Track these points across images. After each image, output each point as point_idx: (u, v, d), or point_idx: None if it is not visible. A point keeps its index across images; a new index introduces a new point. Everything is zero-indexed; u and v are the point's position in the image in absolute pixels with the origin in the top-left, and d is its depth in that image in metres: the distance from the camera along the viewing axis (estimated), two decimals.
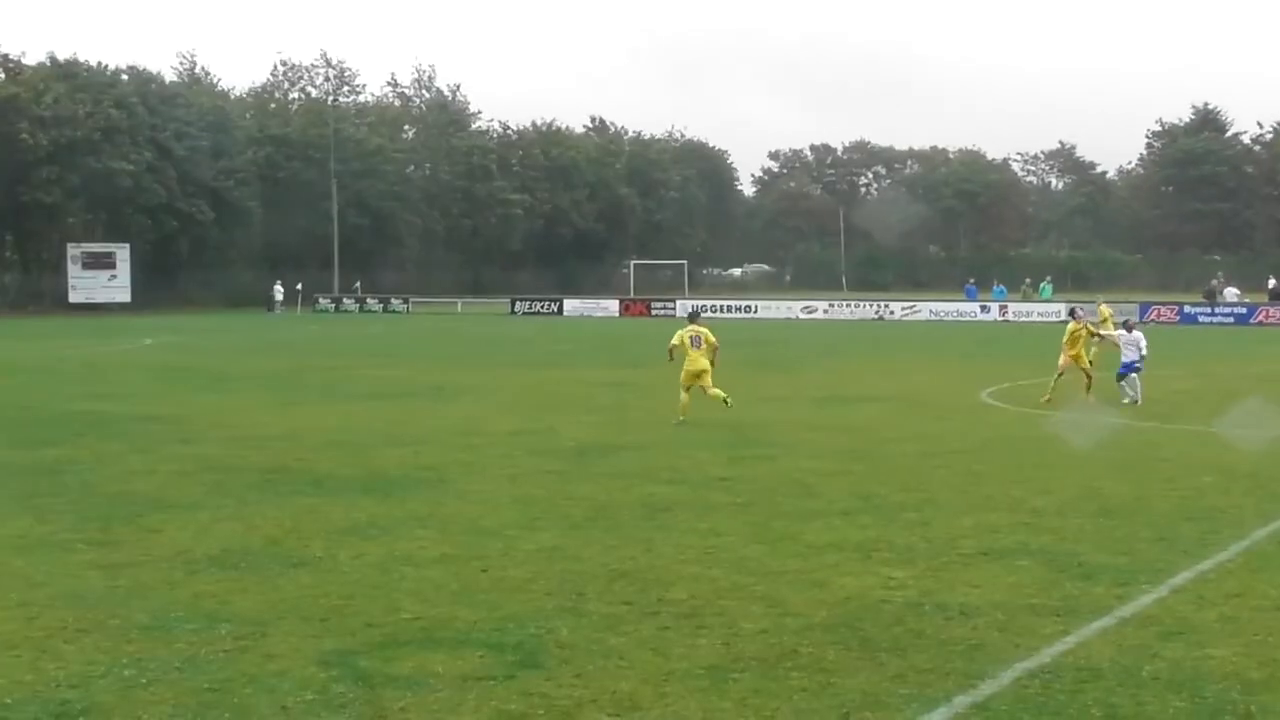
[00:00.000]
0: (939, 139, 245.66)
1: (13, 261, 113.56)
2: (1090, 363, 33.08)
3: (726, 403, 27.55)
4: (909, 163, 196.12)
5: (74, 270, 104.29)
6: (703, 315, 33.28)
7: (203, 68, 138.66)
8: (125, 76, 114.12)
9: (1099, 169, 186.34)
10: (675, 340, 28.20)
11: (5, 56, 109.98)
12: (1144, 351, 32.13)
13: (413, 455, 23.15)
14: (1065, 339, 32.79)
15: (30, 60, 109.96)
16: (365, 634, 11.70)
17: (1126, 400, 31.34)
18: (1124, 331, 32.99)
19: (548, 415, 29.48)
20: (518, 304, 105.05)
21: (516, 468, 21.65)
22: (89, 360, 49.87)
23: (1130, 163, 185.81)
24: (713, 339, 28.05)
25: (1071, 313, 33.96)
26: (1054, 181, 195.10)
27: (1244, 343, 60.52)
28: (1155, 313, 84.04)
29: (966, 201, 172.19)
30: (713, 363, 28.07)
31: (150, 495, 19.05)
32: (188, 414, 30.05)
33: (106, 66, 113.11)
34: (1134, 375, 31.70)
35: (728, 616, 12.23)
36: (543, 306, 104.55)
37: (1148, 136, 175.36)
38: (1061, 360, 32.55)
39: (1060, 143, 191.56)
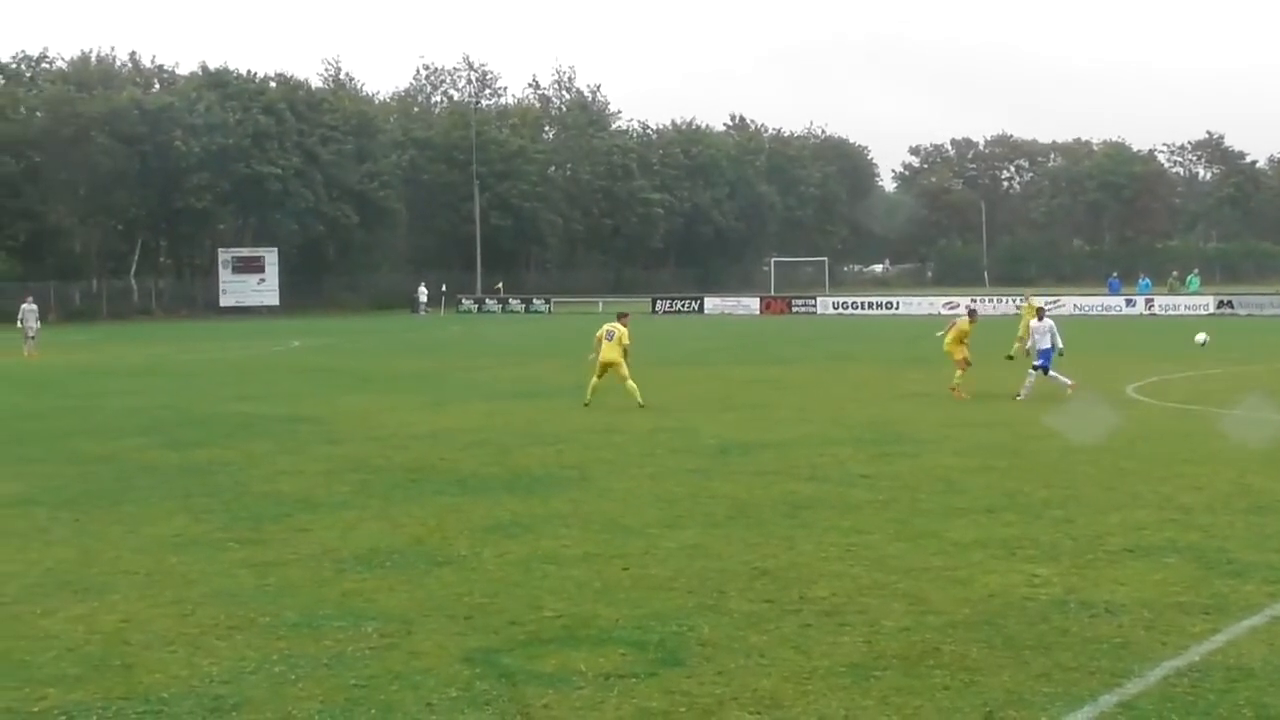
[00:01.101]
0: (1083, 131, 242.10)
1: (166, 266, 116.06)
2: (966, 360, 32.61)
3: (640, 403, 29.95)
4: (1052, 155, 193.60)
5: (224, 274, 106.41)
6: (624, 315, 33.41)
7: (347, 74, 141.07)
8: (273, 84, 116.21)
9: (1248, 159, 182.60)
10: (598, 334, 31.31)
11: (160, 67, 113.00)
12: (1059, 344, 31.86)
13: (555, 454, 23.30)
14: (951, 337, 32.73)
15: (183, 70, 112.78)
16: (508, 632, 11.81)
17: (1021, 396, 31.25)
18: (1036, 320, 32.69)
19: (688, 413, 29.52)
20: (658, 303, 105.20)
21: (658, 466, 21.70)
22: (238, 363, 50.81)
23: None
24: (626, 340, 31.02)
25: (971, 314, 33.05)
26: (1201, 172, 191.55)
27: None
28: None
29: (1111, 194, 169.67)
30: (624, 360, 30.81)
31: (298, 495, 19.38)
32: (334, 415, 30.49)
33: (255, 75, 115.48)
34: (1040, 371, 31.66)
35: (870, 614, 12.19)
36: (683, 305, 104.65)
37: None
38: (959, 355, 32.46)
39: (1208, 133, 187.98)
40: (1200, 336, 23.78)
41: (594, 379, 31.30)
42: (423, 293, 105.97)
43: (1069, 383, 31.45)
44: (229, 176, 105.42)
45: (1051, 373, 31.58)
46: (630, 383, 30.46)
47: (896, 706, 9.69)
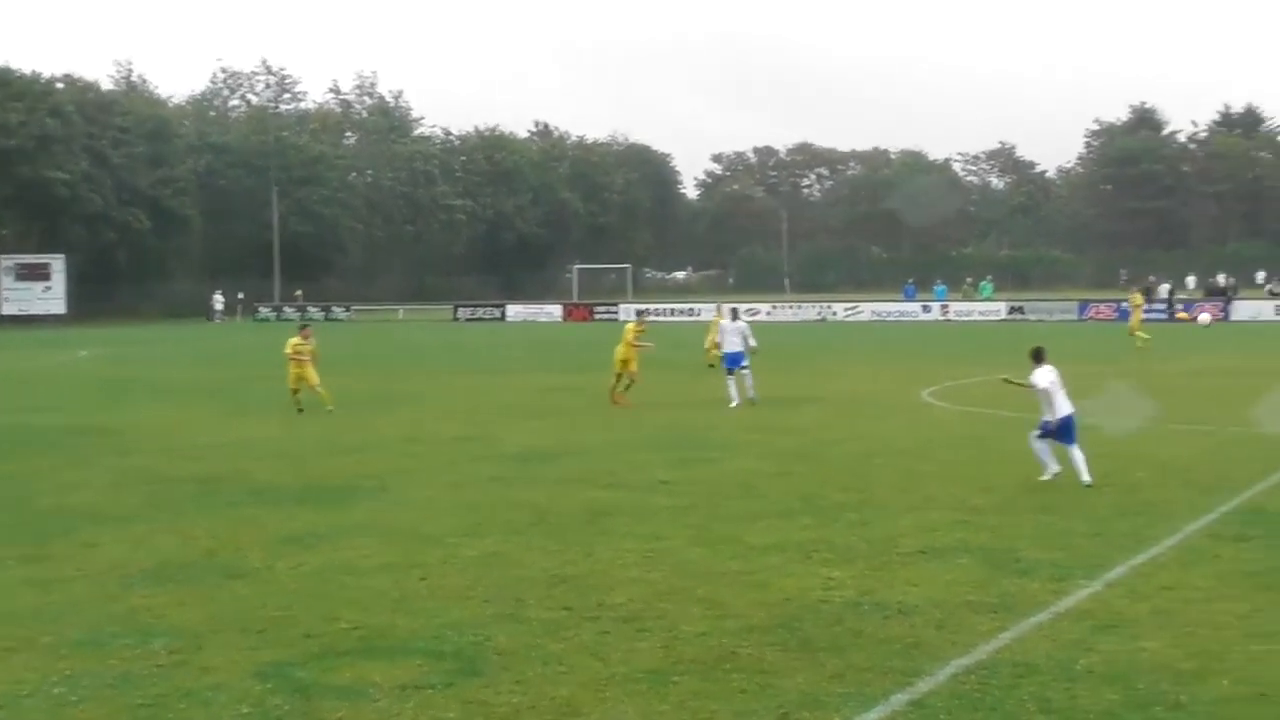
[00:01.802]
0: (881, 140, 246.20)
1: None
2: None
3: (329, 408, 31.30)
4: (851, 164, 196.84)
5: (7, 281, 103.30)
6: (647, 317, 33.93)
7: (140, 76, 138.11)
8: (61, 85, 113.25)
9: (1039, 168, 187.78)
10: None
11: None
12: (752, 342, 32.52)
13: (354, 464, 23.05)
14: (629, 338, 32.62)
15: None
16: (303, 645, 11.62)
17: (734, 404, 31.53)
18: (727, 321, 33.42)
19: (490, 421, 29.43)
20: (460, 310, 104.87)
21: (458, 474, 21.59)
22: (21, 373, 49.41)
23: (1069, 162, 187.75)
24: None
25: (639, 313, 33.53)
26: (994, 181, 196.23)
27: (1182, 340, 60.88)
28: (1094, 310, 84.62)
29: (908, 202, 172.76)
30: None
31: (86, 509, 18.87)
32: (124, 426, 29.79)
33: (41, 75, 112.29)
34: (745, 371, 32.08)
35: (668, 620, 12.22)
36: (486, 312, 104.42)
37: (1086, 136, 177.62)
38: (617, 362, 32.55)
39: (1000, 143, 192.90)
40: (1204, 317, 24.37)
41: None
42: (218, 300, 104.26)
43: (735, 400, 31.71)
44: (12, 180, 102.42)
45: (730, 379, 32.10)
46: (322, 390, 31.89)
47: (693, 710, 9.73)
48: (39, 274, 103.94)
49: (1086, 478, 19.04)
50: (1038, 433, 19.67)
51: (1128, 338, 54.38)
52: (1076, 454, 19.36)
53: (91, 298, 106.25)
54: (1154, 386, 34.81)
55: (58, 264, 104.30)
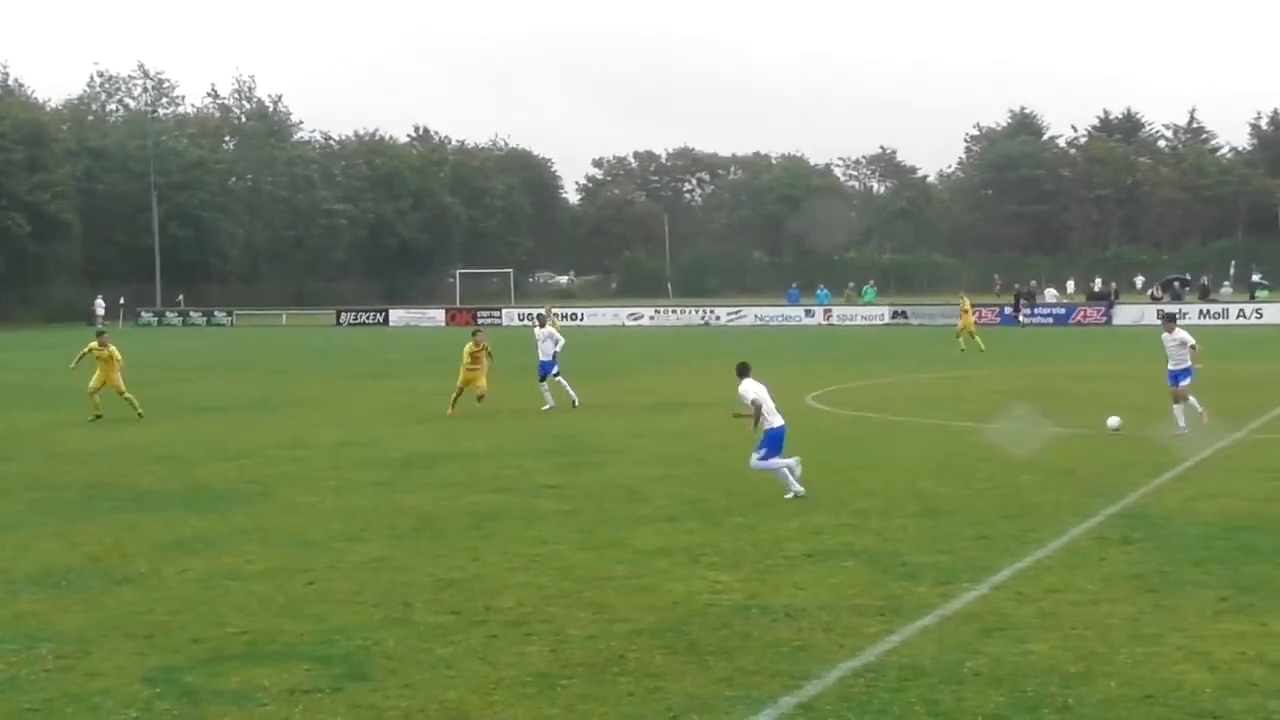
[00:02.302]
0: (761, 145, 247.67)
1: None
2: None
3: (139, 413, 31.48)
4: (732, 169, 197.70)
5: None
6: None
7: (16, 79, 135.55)
8: None
9: (920, 173, 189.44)
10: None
11: None
12: (559, 346, 33.27)
13: (238, 469, 22.92)
14: (465, 360, 31.90)
15: None
16: (190, 650, 11.60)
17: (547, 407, 32.17)
18: (539, 328, 34.19)
19: (375, 426, 29.34)
20: (343, 315, 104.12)
21: (343, 479, 21.54)
22: None
23: (950, 166, 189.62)
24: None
25: (474, 334, 33.19)
26: (876, 186, 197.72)
27: (1062, 343, 61.87)
28: (977, 315, 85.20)
29: (790, 206, 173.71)
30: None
31: None
32: (5, 432, 29.43)
33: None
34: (558, 378, 32.83)
35: (556, 623, 12.31)
36: (369, 317, 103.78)
37: (966, 140, 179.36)
38: (460, 378, 32.06)
39: (881, 148, 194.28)
40: (1113, 421, 24.66)
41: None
42: (100, 305, 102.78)
43: (550, 403, 32.39)
44: None
45: (557, 379, 32.73)
46: (129, 394, 32.05)
47: (582, 714, 9.82)
48: None
49: (798, 489, 19.04)
50: (760, 455, 19.33)
51: (954, 339, 55.32)
52: (753, 462, 19.41)
53: None
54: (1038, 389, 35.37)
55: None
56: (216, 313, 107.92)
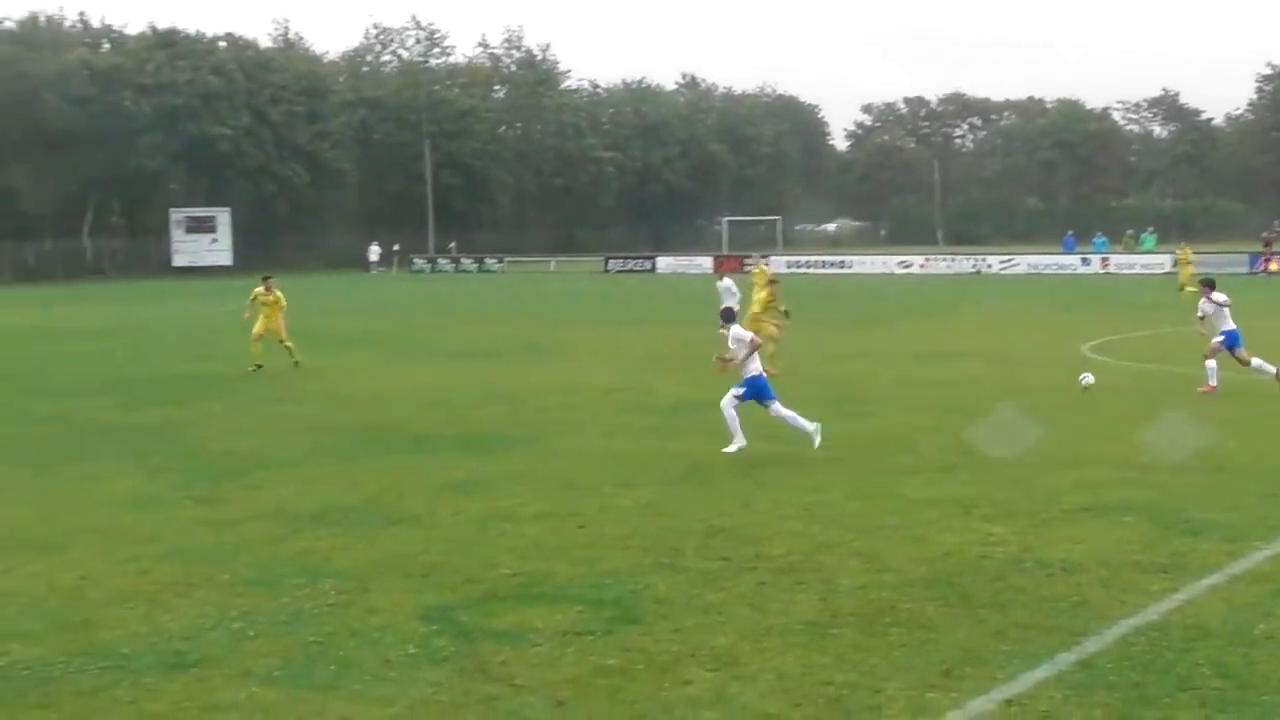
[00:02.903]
0: (1036, 89, 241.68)
1: (119, 227, 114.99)
2: None
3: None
4: (1005, 113, 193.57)
5: (177, 234, 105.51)
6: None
7: (296, 33, 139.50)
8: (223, 44, 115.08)
9: (1204, 116, 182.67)
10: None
11: (109, 28, 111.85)
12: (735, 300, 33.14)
13: (510, 413, 23.28)
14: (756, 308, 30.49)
15: (132, 30, 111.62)
16: (465, 589, 11.82)
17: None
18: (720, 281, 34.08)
19: (643, 372, 29.54)
20: (611, 262, 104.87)
21: (613, 425, 21.73)
22: (193, 322, 50.51)
23: (1239, 109, 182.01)
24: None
25: (771, 282, 31.50)
26: (1157, 130, 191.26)
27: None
28: (1264, 262, 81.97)
29: (1065, 152, 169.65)
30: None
31: (254, 454, 19.34)
32: (289, 374, 30.36)
33: (204, 34, 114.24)
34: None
35: (826, 572, 12.22)
36: (636, 264, 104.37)
37: (1257, 81, 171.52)
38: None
39: (1163, 90, 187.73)
40: (1085, 378, 23.89)
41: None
42: (374, 251, 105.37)
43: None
44: (179, 137, 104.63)
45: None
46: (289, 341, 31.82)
47: (853, 664, 9.72)
48: (206, 227, 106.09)
49: (811, 432, 18.66)
50: (736, 395, 18.82)
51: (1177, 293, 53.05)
52: (781, 412, 18.93)
53: (254, 249, 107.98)
54: None
55: (223, 217, 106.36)
56: (487, 259, 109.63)
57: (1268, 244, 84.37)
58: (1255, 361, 24.74)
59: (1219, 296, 25.28)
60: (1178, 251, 58.02)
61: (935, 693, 9.12)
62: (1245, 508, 14.78)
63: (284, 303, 31.98)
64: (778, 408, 18.99)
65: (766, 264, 41.96)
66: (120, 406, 25.16)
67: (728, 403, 18.90)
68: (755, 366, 19.07)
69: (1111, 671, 9.51)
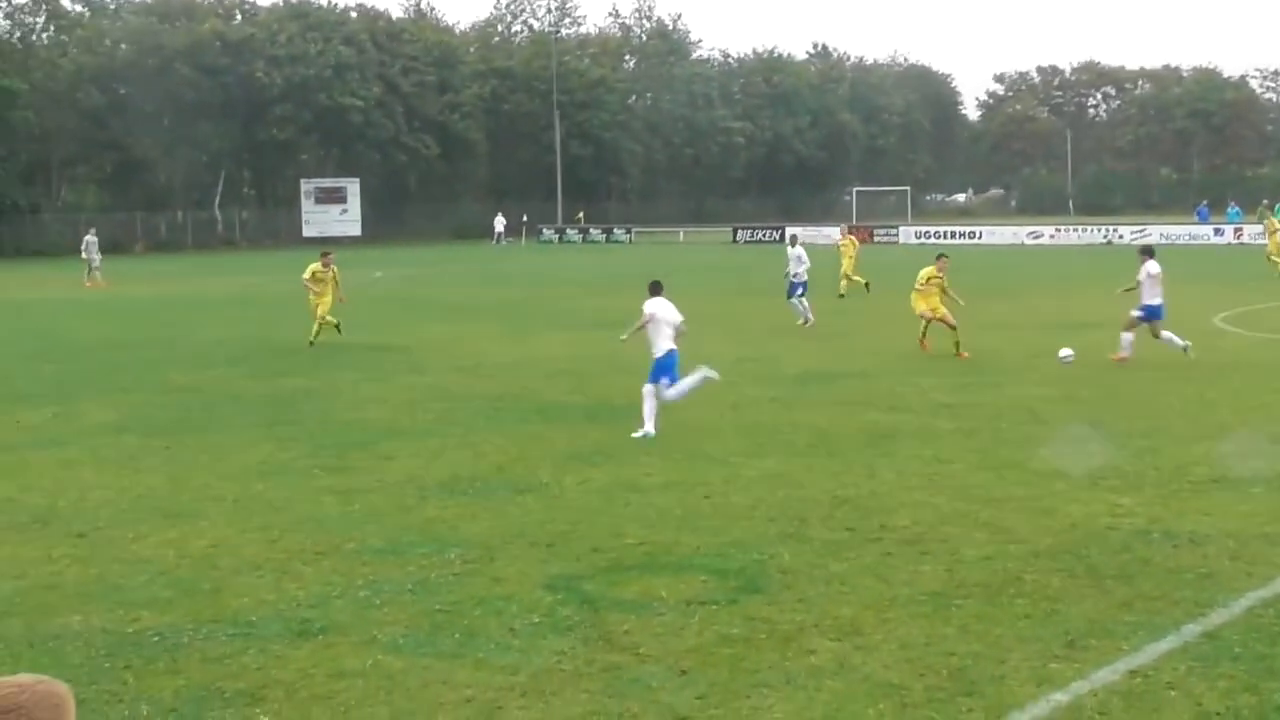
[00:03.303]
0: (1172, 58, 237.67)
1: (249, 197, 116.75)
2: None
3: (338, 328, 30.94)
4: (1140, 83, 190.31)
5: (307, 205, 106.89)
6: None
7: (428, 4, 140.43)
8: (354, 15, 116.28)
9: None
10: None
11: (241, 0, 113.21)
12: (805, 267, 33.98)
13: (637, 383, 23.22)
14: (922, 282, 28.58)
15: (264, 2, 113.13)
16: (590, 559, 11.92)
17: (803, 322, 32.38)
18: (790, 247, 34.43)
19: (770, 343, 29.52)
20: (740, 232, 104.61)
21: (740, 395, 21.74)
22: None
23: None
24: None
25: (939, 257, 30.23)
26: None
27: None
28: None
29: (1200, 121, 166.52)
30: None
31: (382, 423, 19.59)
32: (417, 344, 30.70)
33: (336, 5, 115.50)
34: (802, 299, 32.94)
35: (951, 543, 12.20)
36: (765, 235, 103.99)
37: None
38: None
39: None
40: (1065, 352, 23.53)
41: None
42: (500, 222, 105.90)
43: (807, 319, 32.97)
44: (310, 107, 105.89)
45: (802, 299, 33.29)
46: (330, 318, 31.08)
47: (978, 634, 9.71)
48: (336, 197, 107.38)
49: (649, 428, 18.10)
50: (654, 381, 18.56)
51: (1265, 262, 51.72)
52: (661, 393, 18.54)
53: (383, 220, 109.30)
54: None
55: (353, 188, 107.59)
56: (615, 230, 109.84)
57: None
58: (1165, 335, 25.55)
59: (1152, 267, 25.99)
60: (1268, 219, 56.71)
61: (1059, 663, 9.09)
62: None
63: (339, 279, 31.85)
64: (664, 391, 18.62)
65: (850, 234, 42.68)
66: (251, 376, 25.58)
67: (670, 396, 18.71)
68: (666, 345, 18.93)
69: (1237, 643, 9.42)
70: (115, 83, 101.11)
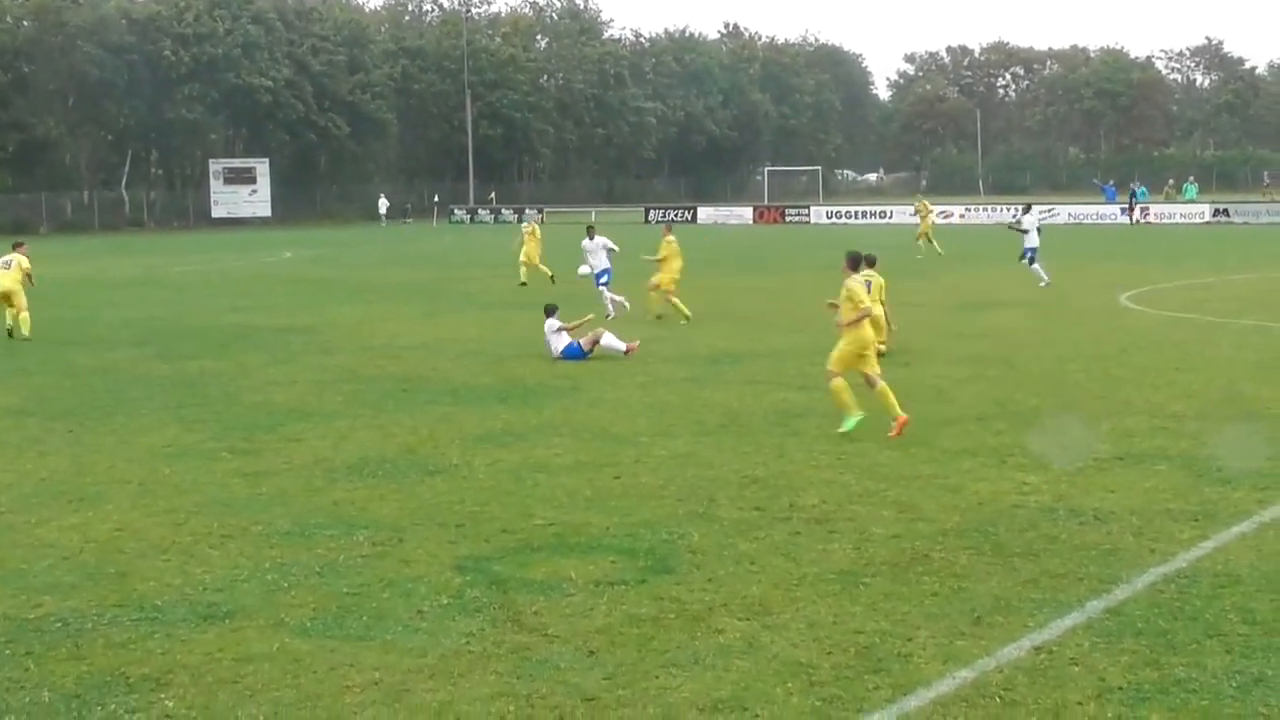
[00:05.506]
0: (1079, 39, 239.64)
1: (157, 178, 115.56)
2: None
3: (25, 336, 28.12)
4: (1048, 63, 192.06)
5: (216, 185, 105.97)
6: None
7: None
8: None
9: (1248, 65, 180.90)
10: None
11: None
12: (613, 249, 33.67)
13: (548, 364, 23.31)
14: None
15: None
16: (500, 540, 11.88)
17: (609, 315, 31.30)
18: (587, 240, 33.72)
19: (680, 324, 29.49)
20: (652, 213, 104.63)
21: (650, 375, 21.74)
22: (231, 274, 50.72)
23: None
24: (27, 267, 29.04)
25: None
26: (1200, 79, 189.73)
27: None
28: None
29: (1108, 102, 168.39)
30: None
31: (290, 405, 19.43)
32: (326, 325, 30.49)
33: None
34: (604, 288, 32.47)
35: (859, 522, 12.26)
36: (676, 215, 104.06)
37: None
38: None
39: (1206, 39, 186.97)
40: (584, 269, 24.18)
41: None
42: (383, 204, 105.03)
43: (618, 301, 32.09)
44: (219, 87, 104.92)
45: (604, 291, 32.32)
46: (24, 314, 28.65)
47: (885, 612, 9.76)
48: (245, 178, 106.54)
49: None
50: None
51: None
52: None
53: (294, 201, 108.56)
54: None
55: (262, 168, 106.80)
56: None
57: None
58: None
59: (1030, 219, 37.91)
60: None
61: (965, 640, 9.15)
62: (1277, 456, 14.78)
63: (28, 268, 29.15)
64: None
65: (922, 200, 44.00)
66: (158, 358, 25.30)
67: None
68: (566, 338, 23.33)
69: (1140, 619, 9.52)
70: (17, 60, 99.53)
